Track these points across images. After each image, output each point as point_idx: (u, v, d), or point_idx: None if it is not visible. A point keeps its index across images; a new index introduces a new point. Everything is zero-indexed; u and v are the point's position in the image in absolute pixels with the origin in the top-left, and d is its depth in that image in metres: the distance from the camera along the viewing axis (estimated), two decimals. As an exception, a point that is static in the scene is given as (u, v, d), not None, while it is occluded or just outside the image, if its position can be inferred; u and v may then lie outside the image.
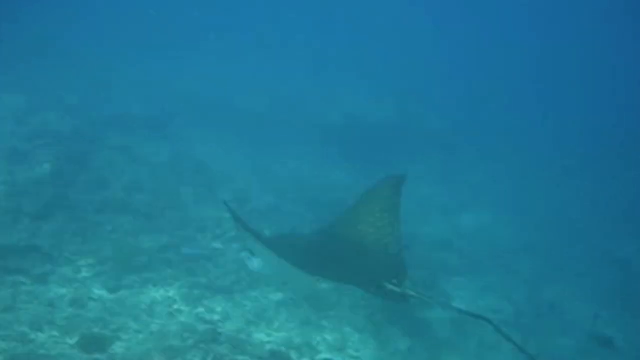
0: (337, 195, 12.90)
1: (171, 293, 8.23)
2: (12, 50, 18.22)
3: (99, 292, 7.98)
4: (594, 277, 11.43)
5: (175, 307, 7.98)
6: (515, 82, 26.34)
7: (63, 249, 8.69)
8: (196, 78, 20.52)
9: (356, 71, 23.77)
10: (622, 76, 29.55)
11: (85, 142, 12.49)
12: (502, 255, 11.81)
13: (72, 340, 6.89)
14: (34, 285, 7.89)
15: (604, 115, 23.78)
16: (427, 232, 12.18)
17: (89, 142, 12.57)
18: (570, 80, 28.21)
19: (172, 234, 9.58)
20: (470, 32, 34.38)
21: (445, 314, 9.24)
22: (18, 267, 8.12)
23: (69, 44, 20.81)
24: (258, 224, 10.37)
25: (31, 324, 7.05)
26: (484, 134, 19.42)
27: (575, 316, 10.06)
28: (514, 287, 10.68)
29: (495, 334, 6.25)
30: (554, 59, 30.78)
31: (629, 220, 14.43)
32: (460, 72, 26.92)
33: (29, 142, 12.03)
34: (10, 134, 12.54)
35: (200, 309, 7.99)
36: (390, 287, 6.06)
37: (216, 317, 7.84)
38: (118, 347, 6.91)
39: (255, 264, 6.80)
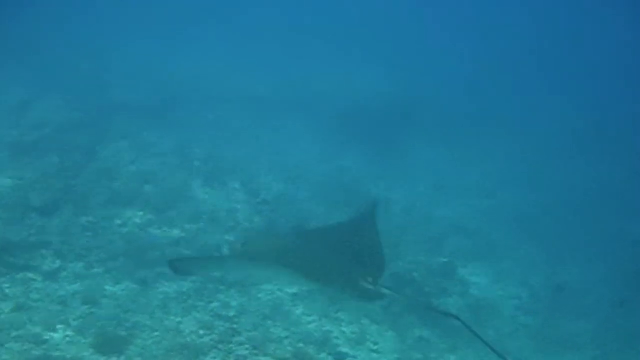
0: (348, 181, 12.77)
1: (185, 288, 8.07)
2: (4, 45, 18.02)
3: (111, 288, 7.82)
4: (613, 259, 11.23)
5: (190, 302, 7.82)
6: (520, 61, 26.03)
7: (73, 244, 8.53)
8: (197, 63, 20.25)
9: (366, 53, 23.49)
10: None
11: (90, 133, 12.29)
12: (517, 238, 11.61)
13: (87, 340, 6.75)
14: (44, 282, 7.74)
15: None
16: (442, 215, 12.00)
17: (93, 133, 12.36)
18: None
19: (183, 227, 9.40)
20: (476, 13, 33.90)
21: (463, 301, 9.13)
22: (28, 263, 7.98)
23: (62, 35, 20.54)
24: (268, 216, 10.26)
25: (44, 323, 6.92)
26: (494, 115, 19.12)
27: (594, 299, 9.89)
28: (530, 271, 10.50)
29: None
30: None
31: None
32: (468, 53, 26.59)
33: (33, 134, 11.83)
34: (13, 126, 12.34)
35: (215, 304, 7.82)
36: (365, 285, 5.90)
37: (232, 313, 7.67)
38: (134, 347, 6.77)
39: None
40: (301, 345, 7.34)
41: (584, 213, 12.96)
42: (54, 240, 8.51)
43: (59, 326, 6.94)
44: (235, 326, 7.42)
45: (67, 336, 6.80)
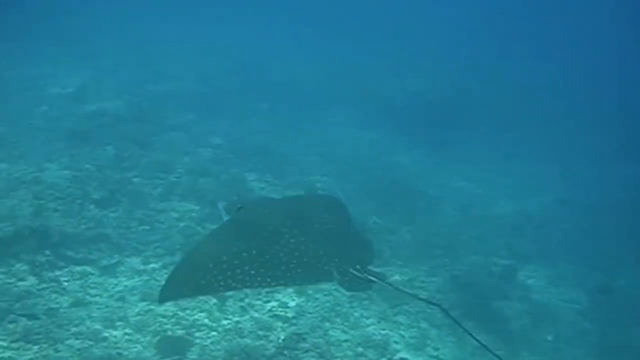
0: (399, 176, 12.59)
1: (242, 286, 7.97)
2: (60, 37, 18.15)
3: (168, 284, 7.76)
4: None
5: (247, 301, 7.70)
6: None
7: (130, 238, 8.49)
8: (238, 46, 20.29)
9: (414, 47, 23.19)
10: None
11: (143, 122, 12.29)
12: (571, 240, 11.30)
13: (146, 339, 6.69)
14: (102, 277, 7.71)
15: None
16: (496, 215, 11.75)
17: (147, 122, 12.36)
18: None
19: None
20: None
21: (522, 305, 8.90)
22: (86, 257, 7.95)
23: (110, 27, 20.70)
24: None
25: (103, 320, 6.88)
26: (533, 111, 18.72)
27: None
28: (587, 274, 10.20)
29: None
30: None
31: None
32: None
33: (88, 123, 11.85)
34: (68, 115, 12.39)
35: (273, 303, 7.70)
36: (354, 272, 5.81)
37: (290, 314, 7.54)
38: (194, 349, 6.69)
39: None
40: (360, 349, 7.19)
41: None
42: (111, 234, 8.47)
43: (118, 323, 6.89)
44: (298, 330, 7.27)
45: (127, 334, 6.74)
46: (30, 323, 6.66)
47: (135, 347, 6.56)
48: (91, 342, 6.51)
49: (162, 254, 8.29)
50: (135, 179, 10.04)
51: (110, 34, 20.09)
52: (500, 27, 28.28)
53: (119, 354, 6.42)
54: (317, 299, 7.98)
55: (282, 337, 7.10)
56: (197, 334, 6.92)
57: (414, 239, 9.97)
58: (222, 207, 7.01)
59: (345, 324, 7.58)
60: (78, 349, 6.37)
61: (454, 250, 9.79)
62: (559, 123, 17.93)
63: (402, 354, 7.33)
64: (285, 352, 6.85)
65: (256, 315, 7.43)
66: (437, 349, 7.55)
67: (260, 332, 7.09)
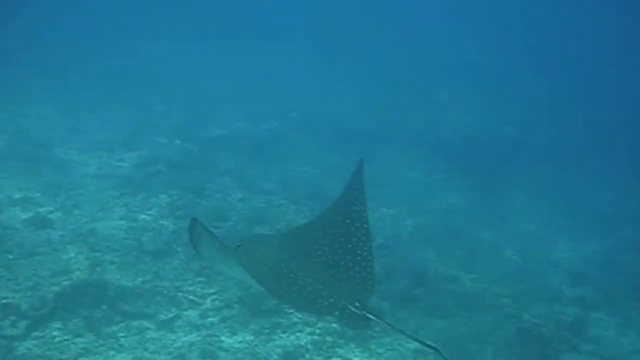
0: (454, 219, 12.29)
1: (302, 341, 7.72)
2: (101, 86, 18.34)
3: (228, 340, 7.56)
4: None
5: (308, 356, 7.46)
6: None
7: (187, 291, 8.31)
8: (277, 86, 20.30)
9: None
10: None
11: (196, 168, 12.17)
12: (637, 285, 10.82)
13: (209, 400, 6.46)
14: (160, 332, 7.55)
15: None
16: (557, 260, 11.35)
17: (199, 168, 12.24)
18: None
19: (297, 274, 9.04)
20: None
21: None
22: (142, 311, 7.81)
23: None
24: (382, 261, 9.80)
25: (165, 379, 6.67)
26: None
27: None
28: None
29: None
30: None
31: None
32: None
33: (141, 170, 11.79)
34: (120, 161, 12.36)
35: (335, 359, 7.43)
36: (354, 310, 5.27)
37: (354, 371, 7.27)
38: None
39: None
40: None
41: None
42: (168, 286, 8.30)
43: (179, 384, 6.68)
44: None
45: (189, 395, 6.53)
46: (90, 384, 6.50)
47: (197, 410, 6.33)
48: (153, 404, 6.29)
49: (220, 307, 8.12)
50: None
51: (157, 77, 20.17)
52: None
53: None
54: (380, 354, 7.69)
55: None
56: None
57: (477, 288, 9.61)
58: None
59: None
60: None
61: (517, 300, 9.40)
62: (625, 161, 17.35)
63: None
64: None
65: (320, 372, 7.18)
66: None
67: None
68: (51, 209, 9.89)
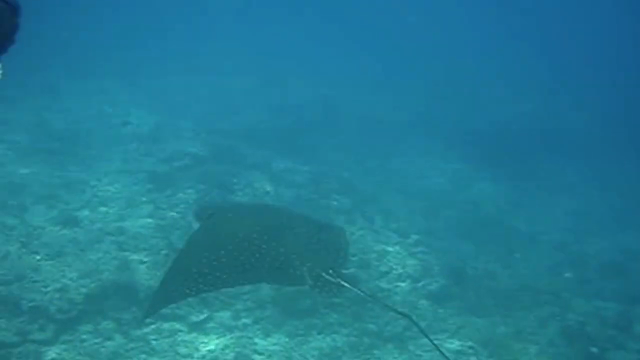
0: (488, 211, 11.97)
1: (339, 342, 7.47)
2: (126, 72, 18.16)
3: (262, 342, 7.34)
4: None
5: (344, 359, 7.21)
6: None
7: (220, 292, 8.02)
8: (304, 77, 20.01)
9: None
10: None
11: (223, 162, 11.85)
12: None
13: (245, 408, 6.22)
14: (192, 334, 7.37)
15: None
16: (596, 252, 10.99)
17: (225, 162, 11.91)
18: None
19: (331, 272, 8.75)
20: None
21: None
22: (174, 313, 7.58)
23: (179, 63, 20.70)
24: (423, 259, 9.51)
25: (198, 386, 6.43)
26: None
27: None
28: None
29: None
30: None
31: None
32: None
33: (167, 165, 11.52)
34: (145, 155, 12.12)
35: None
36: (327, 277, 5.36)
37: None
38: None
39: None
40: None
41: None
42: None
43: (213, 389, 6.44)
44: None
45: (223, 402, 6.29)
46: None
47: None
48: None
49: (252, 308, 7.89)
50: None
51: (177, 66, 19.98)
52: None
53: None
54: (419, 356, 7.42)
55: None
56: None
57: (516, 283, 9.30)
58: (194, 212, 6.53)
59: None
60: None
61: (559, 296, 9.08)
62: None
63: None
64: None
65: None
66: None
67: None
68: (77, 206, 9.65)
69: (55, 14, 19.70)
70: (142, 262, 8.30)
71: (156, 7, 27.28)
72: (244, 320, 7.66)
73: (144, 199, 10.04)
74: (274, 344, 7.32)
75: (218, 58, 22.00)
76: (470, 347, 7.69)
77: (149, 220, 9.33)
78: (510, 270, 9.74)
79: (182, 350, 7.08)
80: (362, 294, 5.48)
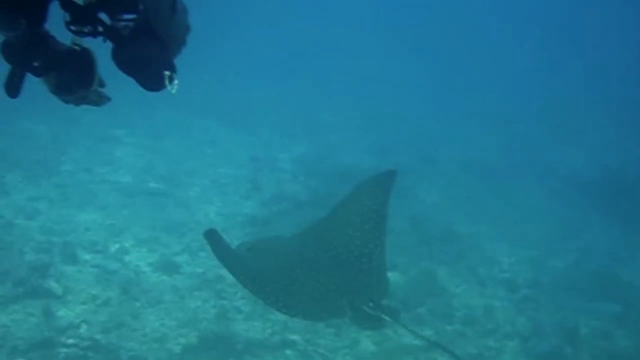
0: (599, 261, 11.27)
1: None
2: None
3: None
4: None
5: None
6: None
7: (317, 344, 7.79)
8: (402, 116, 19.76)
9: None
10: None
11: (322, 207, 11.49)
12: None
13: None
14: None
15: None
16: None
17: (325, 207, 11.48)
18: None
19: (436, 329, 8.33)
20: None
21: None
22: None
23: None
24: (533, 316, 8.98)
25: None
26: None
27: None
28: None
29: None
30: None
31: None
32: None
33: (267, 209, 11.44)
34: (244, 198, 12.09)
35: None
36: (367, 310, 5.25)
37: None
38: None
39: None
40: None
41: None
42: (298, 339, 7.80)
43: None
44: None
45: None
46: None
47: None
48: None
49: (353, 364, 7.54)
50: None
51: (270, 104, 20.07)
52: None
53: None
54: None
55: None
56: None
57: (633, 345, 8.64)
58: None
59: None
60: None
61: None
62: None
63: None
64: None
65: None
66: None
67: None
68: (177, 250, 9.63)
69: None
70: (240, 312, 8.14)
71: (254, 49, 27.74)
72: (347, 379, 7.35)
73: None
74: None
75: (313, 92, 22.07)
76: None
77: (248, 267, 9.17)
78: (627, 330, 9.05)
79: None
80: (403, 327, 5.40)
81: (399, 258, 10.09)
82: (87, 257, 9.05)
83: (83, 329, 7.39)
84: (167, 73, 2.80)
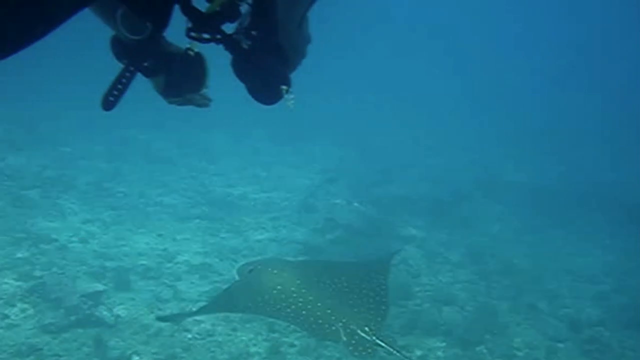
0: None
1: None
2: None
3: None
4: None
5: None
6: None
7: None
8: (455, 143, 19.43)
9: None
10: None
11: (376, 236, 11.37)
12: None
13: None
14: None
15: None
16: None
17: (380, 235, 11.43)
18: None
19: (496, 370, 8.01)
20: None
21: None
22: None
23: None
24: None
25: None
26: None
27: None
28: None
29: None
30: None
31: None
32: None
33: (320, 236, 11.24)
34: (298, 225, 11.92)
35: None
36: (362, 334, 5.18)
37: None
38: None
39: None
40: None
41: None
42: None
43: None
44: None
45: None
46: None
47: None
48: None
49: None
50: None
51: (326, 130, 19.90)
52: None
53: None
54: None
55: None
56: None
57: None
58: (236, 269, 6.24)
59: None
60: None
61: None
62: None
63: None
64: None
65: None
66: None
67: None
68: (229, 277, 9.42)
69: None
70: (293, 346, 7.91)
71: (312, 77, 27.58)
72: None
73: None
74: None
75: (366, 117, 21.88)
76: None
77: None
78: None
79: None
80: (397, 354, 5.21)
81: (459, 291, 9.79)
82: (140, 284, 8.98)
83: (134, 360, 7.28)
84: (284, 87, 2.68)
